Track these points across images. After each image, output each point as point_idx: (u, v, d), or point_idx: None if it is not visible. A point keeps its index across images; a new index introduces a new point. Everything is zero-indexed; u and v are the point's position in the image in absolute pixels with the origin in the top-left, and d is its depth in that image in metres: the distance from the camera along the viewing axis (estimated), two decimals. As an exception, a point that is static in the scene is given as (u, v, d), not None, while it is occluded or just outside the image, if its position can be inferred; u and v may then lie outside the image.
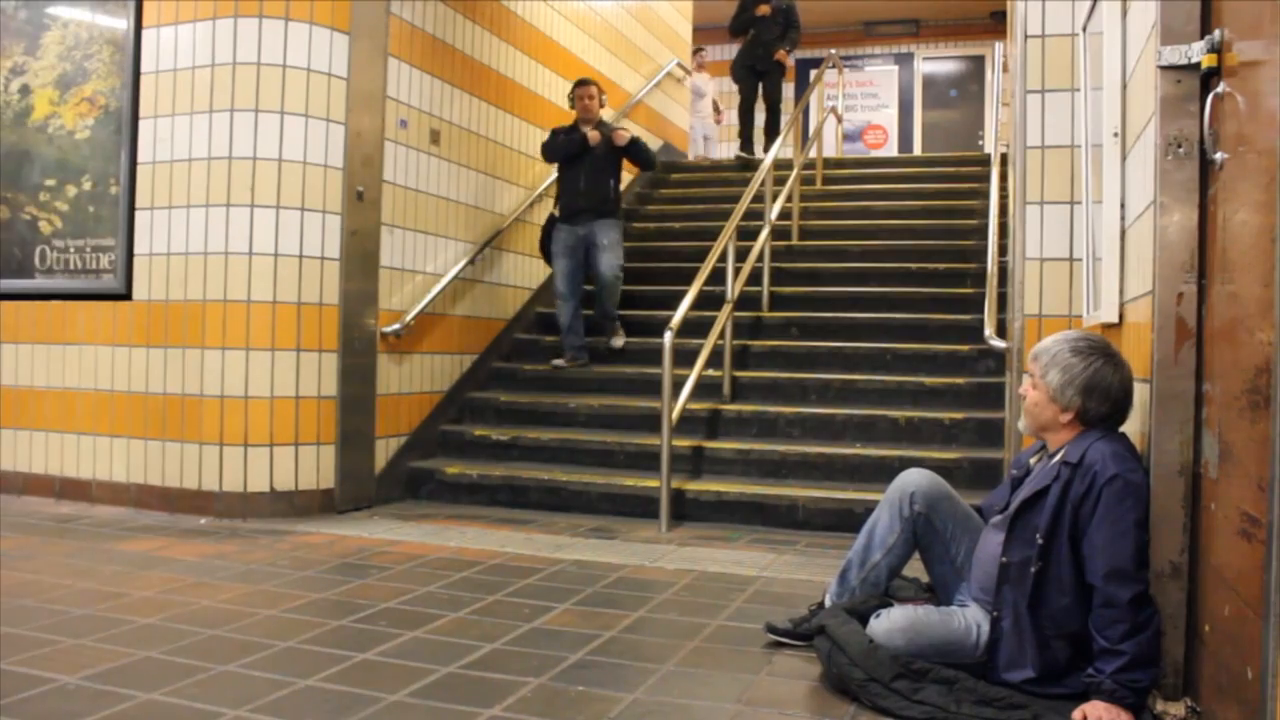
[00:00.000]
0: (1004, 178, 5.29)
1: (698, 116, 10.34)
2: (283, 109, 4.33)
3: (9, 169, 4.88)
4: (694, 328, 4.98)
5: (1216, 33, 1.93)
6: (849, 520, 4.03)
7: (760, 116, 8.25)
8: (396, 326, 4.85)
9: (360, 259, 4.61)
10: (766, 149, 7.09)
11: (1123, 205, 2.66)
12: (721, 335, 5.08)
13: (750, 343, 5.58)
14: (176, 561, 3.55)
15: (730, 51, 8.63)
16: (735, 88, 8.41)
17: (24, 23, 4.88)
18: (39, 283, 4.80)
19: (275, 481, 4.33)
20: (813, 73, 9.69)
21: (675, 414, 4.40)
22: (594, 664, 2.52)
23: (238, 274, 4.30)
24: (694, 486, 4.50)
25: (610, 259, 5.73)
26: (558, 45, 6.66)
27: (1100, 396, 2.23)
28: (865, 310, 5.66)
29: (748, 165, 8.03)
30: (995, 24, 11.05)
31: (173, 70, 4.47)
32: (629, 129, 6.24)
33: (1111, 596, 2.05)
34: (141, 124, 4.54)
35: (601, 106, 5.78)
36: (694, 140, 10.19)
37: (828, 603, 2.66)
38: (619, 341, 5.84)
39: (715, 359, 5.06)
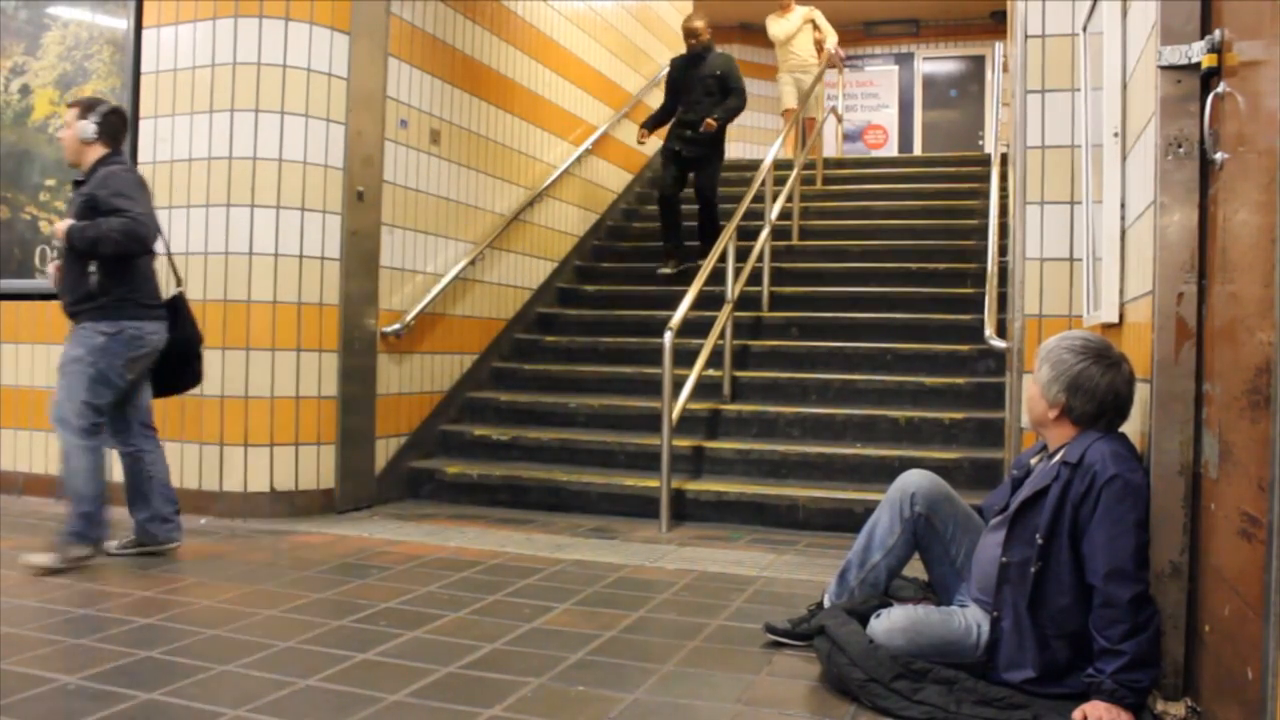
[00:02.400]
0: (1004, 178, 5.29)
1: (786, 70, 8.54)
2: (283, 109, 4.33)
3: (9, 169, 4.88)
4: (694, 328, 4.98)
5: (1216, 33, 1.93)
6: (849, 520, 4.03)
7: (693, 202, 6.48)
8: (397, 326, 4.85)
9: (360, 259, 4.61)
10: (703, 254, 5.82)
11: (1123, 205, 2.66)
12: (722, 335, 5.08)
13: (750, 343, 5.58)
14: (176, 561, 3.55)
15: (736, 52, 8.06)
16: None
17: (24, 23, 4.88)
18: (39, 283, 4.79)
19: (275, 481, 4.33)
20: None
21: (675, 414, 4.40)
22: (594, 664, 2.52)
23: (238, 274, 4.30)
24: (694, 486, 4.50)
25: (62, 398, 3.38)
26: (558, 45, 6.66)
27: (1085, 396, 2.24)
28: (865, 310, 5.66)
29: (664, 279, 6.30)
30: (995, 24, 11.04)
31: (173, 70, 4.47)
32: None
33: (1111, 596, 2.05)
34: (142, 124, 4.53)
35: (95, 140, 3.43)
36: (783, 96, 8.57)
37: (826, 603, 2.66)
38: (111, 544, 3.54)
39: (715, 359, 5.06)
